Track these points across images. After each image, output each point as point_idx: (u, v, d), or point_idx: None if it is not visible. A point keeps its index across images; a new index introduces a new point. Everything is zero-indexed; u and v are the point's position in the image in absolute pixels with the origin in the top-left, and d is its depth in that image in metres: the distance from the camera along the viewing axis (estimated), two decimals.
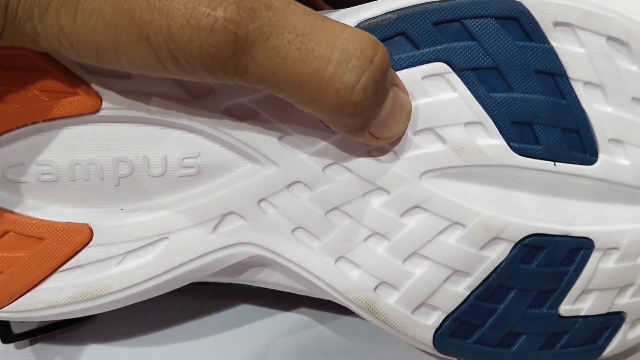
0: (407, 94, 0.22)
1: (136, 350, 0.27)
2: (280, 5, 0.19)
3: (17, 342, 0.27)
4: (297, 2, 0.20)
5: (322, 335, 0.27)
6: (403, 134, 0.22)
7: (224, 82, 0.20)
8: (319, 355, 0.27)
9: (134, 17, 0.19)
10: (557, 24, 0.22)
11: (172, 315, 0.28)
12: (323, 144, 0.23)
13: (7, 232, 0.23)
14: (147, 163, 0.23)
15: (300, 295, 0.26)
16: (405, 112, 0.22)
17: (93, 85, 0.22)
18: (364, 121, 0.21)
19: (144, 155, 0.23)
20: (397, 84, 0.21)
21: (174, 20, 0.19)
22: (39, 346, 0.27)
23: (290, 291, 0.25)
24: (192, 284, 0.24)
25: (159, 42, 0.19)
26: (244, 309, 0.28)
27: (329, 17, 0.23)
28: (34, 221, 0.23)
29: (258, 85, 0.20)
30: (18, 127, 0.22)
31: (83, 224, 0.23)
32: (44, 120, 0.22)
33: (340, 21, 0.22)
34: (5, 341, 0.27)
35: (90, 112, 0.22)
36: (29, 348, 0.27)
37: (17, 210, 0.23)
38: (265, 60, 0.19)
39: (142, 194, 0.23)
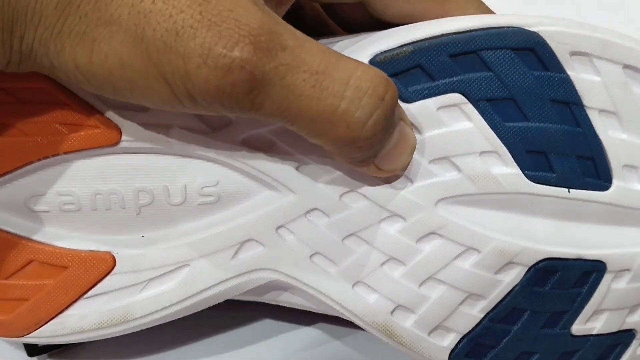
0: (412, 129, 0.22)
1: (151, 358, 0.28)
2: (296, 45, 0.20)
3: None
4: (311, 40, 0.20)
5: (340, 350, 0.28)
6: (406, 168, 0.22)
7: (239, 115, 0.20)
8: None
9: (151, 57, 0.19)
10: (574, 53, 0.22)
11: (191, 327, 0.28)
12: (339, 172, 0.23)
13: (31, 260, 0.23)
14: (167, 192, 0.23)
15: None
16: (409, 146, 0.22)
17: (112, 118, 0.22)
18: (371, 154, 0.21)
19: (164, 184, 0.23)
20: (403, 118, 0.22)
21: (191, 61, 0.19)
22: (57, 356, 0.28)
23: (311, 310, 0.26)
24: None
25: (176, 81, 0.19)
26: (264, 322, 0.29)
27: (345, 44, 0.23)
28: (57, 250, 0.23)
29: (271, 119, 0.20)
30: (39, 159, 0.23)
31: (106, 252, 0.23)
32: (65, 153, 0.23)
33: (356, 53, 0.22)
34: (30, 354, 0.28)
35: (111, 144, 0.22)
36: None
37: (40, 239, 0.23)
38: (280, 98, 0.20)
39: (162, 222, 0.23)
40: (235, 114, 0.20)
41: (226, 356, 0.28)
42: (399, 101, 0.22)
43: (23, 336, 0.24)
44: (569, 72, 0.22)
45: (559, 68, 0.22)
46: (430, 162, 0.23)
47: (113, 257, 0.23)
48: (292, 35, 0.20)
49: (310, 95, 0.20)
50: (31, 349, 0.27)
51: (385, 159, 0.22)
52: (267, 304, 0.26)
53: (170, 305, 0.24)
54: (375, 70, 0.20)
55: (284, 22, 0.20)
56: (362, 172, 0.23)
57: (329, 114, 0.20)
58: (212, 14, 0.19)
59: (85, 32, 0.19)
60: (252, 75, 0.19)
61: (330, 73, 0.20)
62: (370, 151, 0.21)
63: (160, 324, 0.25)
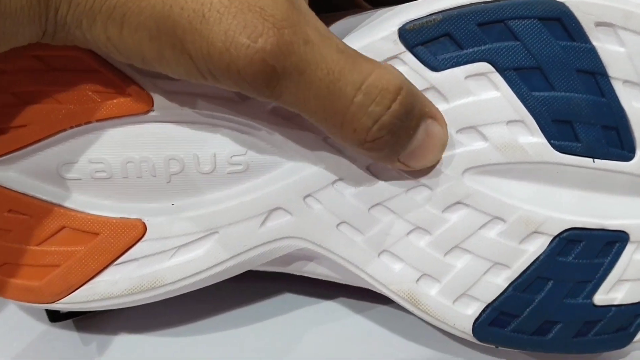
0: (444, 125, 0.23)
1: (177, 333, 0.28)
2: (317, 41, 0.20)
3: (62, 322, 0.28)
4: (332, 36, 0.21)
5: (360, 324, 0.28)
6: (438, 162, 0.23)
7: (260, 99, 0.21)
8: (356, 341, 0.28)
9: (177, 33, 0.20)
10: (598, 24, 0.22)
11: (216, 299, 0.29)
12: None
13: (63, 227, 0.24)
14: (197, 161, 0.23)
15: (340, 284, 0.26)
16: (439, 144, 0.23)
17: (144, 87, 0.23)
18: (386, 155, 0.22)
19: (194, 153, 0.23)
20: (433, 116, 0.22)
21: (214, 46, 0.19)
22: (81, 324, 0.28)
23: (335, 281, 0.26)
24: None
25: (199, 60, 0.20)
26: (285, 295, 0.29)
27: (375, 16, 0.24)
28: (89, 217, 0.24)
29: (289, 107, 0.21)
30: (72, 127, 0.23)
31: (136, 219, 0.24)
32: (97, 120, 0.23)
33: (385, 22, 0.22)
34: (53, 320, 0.28)
35: (142, 112, 0.23)
36: (73, 328, 0.28)
37: (72, 206, 0.24)
38: (297, 92, 0.20)
39: (192, 190, 0.24)
40: (254, 97, 0.21)
41: (246, 329, 0.28)
42: (427, 69, 0.22)
43: (54, 302, 0.24)
44: (594, 43, 0.23)
45: (585, 38, 0.22)
46: (458, 131, 0.23)
47: (144, 224, 0.24)
48: (315, 30, 0.20)
49: (325, 96, 0.20)
50: (53, 315, 0.28)
51: (411, 157, 0.22)
52: (288, 276, 0.27)
53: (199, 272, 0.24)
54: (390, 75, 0.21)
55: (309, 11, 0.21)
56: None
57: (339, 116, 0.21)
58: (239, 1, 0.19)
59: (116, 7, 0.20)
60: (273, 68, 0.20)
61: (345, 75, 0.20)
62: (382, 153, 0.22)
63: (182, 296, 0.25)
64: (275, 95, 0.20)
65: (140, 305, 0.27)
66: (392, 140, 0.21)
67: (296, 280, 0.27)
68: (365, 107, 0.20)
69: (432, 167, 0.23)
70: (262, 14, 0.19)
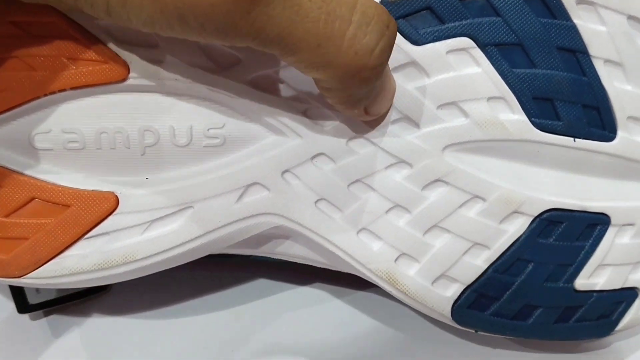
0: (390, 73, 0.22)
1: (151, 322, 0.27)
2: None
3: (32, 313, 0.27)
4: None
5: (337, 309, 0.28)
6: (386, 114, 0.22)
7: (233, 43, 0.19)
8: (332, 328, 0.27)
9: None
10: (580, 1, 0.22)
11: (188, 287, 0.28)
12: (348, 118, 0.23)
13: (33, 198, 0.23)
14: (173, 133, 0.23)
15: (317, 270, 0.26)
16: (393, 90, 0.22)
17: (121, 54, 0.22)
18: (368, 92, 0.21)
19: (170, 125, 0.23)
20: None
21: None
22: (53, 317, 0.28)
23: (311, 264, 0.25)
24: (211, 255, 0.25)
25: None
26: (261, 282, 0.28)
27: None
28: (60, 188, 0.23)
29: (270, 47, 0.19)
30: (45, 95, 0.22)
31: (109, 191, 0.23)
32: (72, 88, 0.22)
33: None
34: (21, 311, 0.27)
35: (118, 80, 0.22)
36: (43, 319, 0.27)
37: (43, 177, 0.23)
38: (283, 20, 0.18)
39: (167, 163, 0.23)
40: (231, 41, 0.19)
41: (224, 314, 0.27)
42: (408, 42, 0.22)
43: (21, 276, 0.23)
44: (575, 21, 0.23)
45: (566, 16, 0.22)
46: (438, 107, 0.23)
47: (116, 196, 0.23)
48: None
49: (317, 17, 0.18)
50: (21, 305, 0.27)
51: (375, 102, 0.21)
52: (264, 263, 0.26)
53: (172, 248, 0.23)
54: (376, 3, 0.20)
55: None
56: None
57: (336, 39, 0.19)
58: None
59: None
60: None
61: None
62: (368, 87, 0.20)
63: (153, 283, 0.25)
64: (255, 30, 0.18)
65: (114, 294, 0.27)
66: (382, 71, 0.20)
67: (272, 266, 0.27)
68: (365, 25, 0.19)
69: (412, 143, 0.23)
70: None
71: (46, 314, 0.28)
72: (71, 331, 0.27)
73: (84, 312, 0.28)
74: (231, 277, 0.29)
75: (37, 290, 0.27)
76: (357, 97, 0.21)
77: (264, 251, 0.25)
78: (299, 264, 0.26)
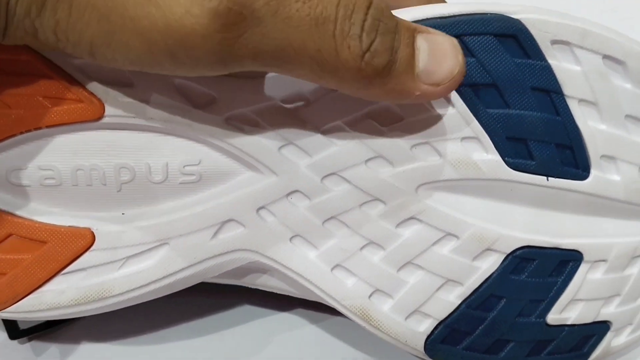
0: (443, 34, 0.21)
1: (134, 348, 0.28)
2: None
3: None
4: None
5: (317, 335, 0.28)
6: (462, 70, 0.21)
7: (232, 70, 0.20)
8: (314, 353, 0.27)
9: (128, 10, 0.19)
10: (555, 42, 0.22)
11: (171, 312, 0.28)
12: (322, 154, 0.23)
13: (10, 234, 0.23)
14: (149, 170, 0.23)
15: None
16: (449, 46, 0.21)
17: (96, 93, 0.22)
18: (400, 75, 0.20)
19: (145, 162, 0.23)
20: (427, 31, 0.21)
21: (172, 12, 0.18)
22: (38, 343, 0.28)
23: (288, 294, 0.26)
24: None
25: (154, 36, 0.19)
26: (243, 307, 0.29)
27: None
28: (37, 224, 0.23)
29: (273, 63, 0.19)
30: (21, 132, 0.22)
31: (85, 228, 0.23)
32: (47, 127, 0.22)
33: None
34: (12, 337, 0.27)
35: (93, 119, 0.22)
36: (27, 344, 0.28)
37: (20, 213, 0.23)
38: (278, 33, 0.19)
39: (143, 199, 0.23)
40: (230, 69, 0.19)
41: (205, 340, 0.28)
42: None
43: (0, 310, 0.24)
44: (550, 61, 0.23)
45: (541, 56, 0.22)
46: (413, 146, 0.23)
47: (92, 233, 0.23)
48: None
49: (308, 24, 0.19)
50: (12, 331, 0.27)
51: (428, 71, 0.20)
52: (247, 289, 0.26)
53: (148, 284, 0.23)
54: None
55: None
56: (350, 154, 0.23)
57: (330, 40, 0.19)
58: None
59: None
60: (241, 15, 0.18)
61: None
62: (386, 68, 0.20)
63: (139, 310, 0.25)
64: (252, 52, 0.19)
65: (100, 319, 0.27)
66: (388, 44, 0.20)
67: (254, 292, 0.27)
68: (347, 18, 0.19)
69: (386, 182, 0.23)
70: None
71: (30, 339, 0.28)
72: (54, 356, 0.27)
73: (67, 337, 0.28)
74: (213, 302, 0.29)
75: None
76: (397, 86, 0.20)
77: (245, 282, 0.25)
78: None
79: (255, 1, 0.18)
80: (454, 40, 0.21)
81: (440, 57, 0.21)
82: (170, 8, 0.18)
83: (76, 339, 0.28)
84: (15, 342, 0.28)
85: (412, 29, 0.20)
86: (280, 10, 0.19)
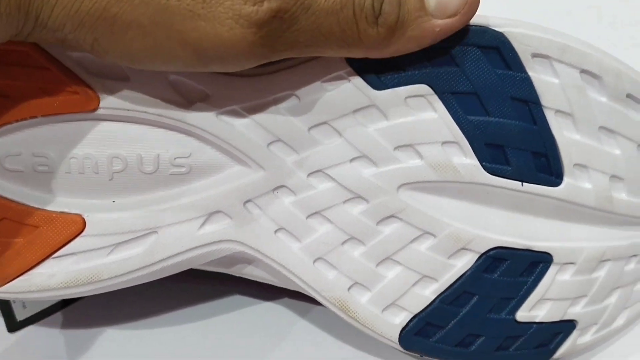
0: None
1: (124, 333, 0.29)
2: None
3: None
4: None
5: (304, 324, 0.29)
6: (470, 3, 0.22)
7: (273, 59, 0.22)
8: (299, 341, 0.29)
9: (176, 25, 0.20)
10: (535, 55, 0.23)
11: (162, 297, 0.29)
12: (310, 152, 0.24)
13: (3, 218, 0.24)
14: (141, 160, 0.24)
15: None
16: None
17: (92, 86, 0.23)
18: (415, 20, 0.22)
19: (137, 153, 0.24)
20: None
21: (222, 24, 0.20)
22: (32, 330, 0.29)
23: (273, 284, 0.27)
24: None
25: (204, 46, 0.20)
26: (234, 296, 0.30)
27: None
28: (29, 209, 0.24)
29: (305, 50, 0.21)
30: (17, 120, 0.23)
31: (76, 214, 0.24)
32: (43, 116, 0.23)
33: None
34: (11, 330, 0.28)
35: (88, 110, 0.23)
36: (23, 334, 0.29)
37: (13, 198, 0.24)
38: (310, 25, 0.21)
39: (134, 189, 0.24)
40: (269, 59, 0.21)
41: (193, 327, 0.29)
42: (370, 87, 0.23)
43: None
44: (530, 73, 0.24)
45: (521, 68, 0.23)
46: (395, 148, 0.24)
47: (83, 219, 0.24)
48: None
49: (333, 12, 0.21)
50: (10, 324, 0.28)
51: (439, 9, 0.22)
52: (236, 278, 0.27)
53: (137, 270, 0.24)
54: None
55: None
56: (337, 153, 0.24)
57: (350, 20, 0.21)
58: None
59: (106, 8, 0.20)
60: (282, 20, 0.20)
61: None
62: (399, 24, 0.21)
63: (129, 297, 0.26)
64: (290, 46, 0.21)
65: (88, 305, 0.28)
66: (399, 7, 0.21)
67: (242, 281, 0.28)
68: None
69: (369, 181, 0.24)
70: None
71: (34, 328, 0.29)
72: (52, 342, 0.28)
73: (62, 323, 0.29)
74: (202, 290, 0.30)
75: (24, 305, 0.28)
76: (413, 31, 0.22)
77: (232, 271, 0.26)
78: None
79: (292, 5, 0.20)
80: None
81: None
82: (220, 21, 0.20)
83: (67, 326, 0.29)
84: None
85: None
86: (311, 7, 0.20)
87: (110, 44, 0.20)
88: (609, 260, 0.26)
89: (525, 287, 0.25)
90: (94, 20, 0.20)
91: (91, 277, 0.24)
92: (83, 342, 0.28)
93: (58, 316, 0.29)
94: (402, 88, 0.23)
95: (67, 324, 0.29)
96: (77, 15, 0.20)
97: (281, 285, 0.27)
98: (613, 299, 0.27)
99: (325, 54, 0.22)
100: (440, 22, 0.22)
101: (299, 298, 0.29)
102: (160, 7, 0.20)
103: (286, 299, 0.30)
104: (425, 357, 0.26)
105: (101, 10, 0.20)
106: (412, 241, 0.25)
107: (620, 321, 0.27)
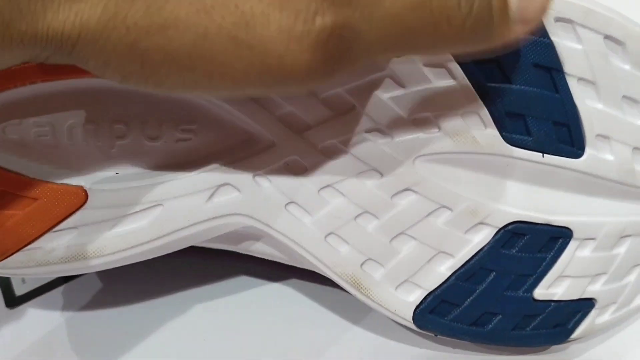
0: None
1: (127, 310, 0.28)
2: None
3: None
4: None
5: (313, 307, 0.28)
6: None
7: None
8: (307, 324, 0.28)
9: (217, 58, 0.17)
10: (558, 19, 0.22)
11: (167, 275, 0.29)
12: (322, 124, 0.23)
13: (0, 190, 0.23)
14: (144, 128, 0.23)
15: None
16: None
17: None
18: (494, 26, 0.19)
19: (141, 118, 0.23)
20: None
21: (268, 52, 0.17)
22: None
23: (282, 262, 0.26)
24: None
25: (251, 77, 0.17)
26: (240, 277, 0.29)
27: None
28: (29, 181, 0.23)
29: (376, 58, 0.19)
30: (16, 86, 0.22)
31: (78, 186, 0.23)
32: (42, 81, 0.22)
33: None
34: (9, 305, 0.27)
35: (90, 75, 0.22)
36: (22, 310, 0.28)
37: (12, 168, 0.23)
38: (376, 33, 0.18)
39: (138, 159, 0.23)
40: (336, 77, 0.18)
41: (198, 306, 0.28)
42: None
43: None
44: (553, 38, 0.23)
45: (544, 33, 0.23)
46: (412, 118, 0.23)
47: (85, 191, 0.23)
48: None
49: (404, 13, 0.18)
50: (9, 300, 0.27)
51: (519, 12, 0.19)
52: (243, 256, 0.26)
53: (141, 244, 0.23)
54: None
55: None
56: (349, 124, 0.23)
57: (427, 20, 0.18)
58: None
59: (135, 42, 0.17)
60: (342, 37, 0.17)
61: None
62: (487, 29, 0.19)
63: (131, 275, 0.25)
64: (357, 59, 0.18)
65: (88, 282, 0.27)
66: (490, 11, 0.18)
67: (250, 260, 0.27)
68: None
69: (384, 152, 0.23)
70: None
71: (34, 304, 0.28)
72: (52, 319, 0.27)
73: (63, 299, 0.28)
74: (209, 269, 0.29)
75: (23, 280, 0.28)
76: (498, 34, 0.19)
77: (240, 248, 0.25)
78: None
79: (351, 17, 0.17)
80: None
81: None
82: (266, 48, 0.17)
83: (67, 302, 0.28)
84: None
85: None
86: (374, 13, 0.17)
87: (140, 81, 0.18)
88: (629, 236, 0.25)
89: (544, 263, 0.24)
90: (122, 56, 0.17)
91: (93, 252, 0.23)
92: (84, 319, 0.27)
93: (58, 292, 0.28)
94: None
95: (67, 300, 0.28)
96: (102, 50, 0.17)
97: (290, 263, 0.26)
98: (632, 277, 0.26)
99: (398, 56, 0.20)
100: (518, 26, 0.19)
101: (307, 279, 0.28)
102: (198, 38, 0.17)
103: (294, 280, 0.29)
104: (440, 337, 0.25)
105: (129, 45, 0.17)
106: (428, 215, 0.24)
107: (638, 300, 0.26)
